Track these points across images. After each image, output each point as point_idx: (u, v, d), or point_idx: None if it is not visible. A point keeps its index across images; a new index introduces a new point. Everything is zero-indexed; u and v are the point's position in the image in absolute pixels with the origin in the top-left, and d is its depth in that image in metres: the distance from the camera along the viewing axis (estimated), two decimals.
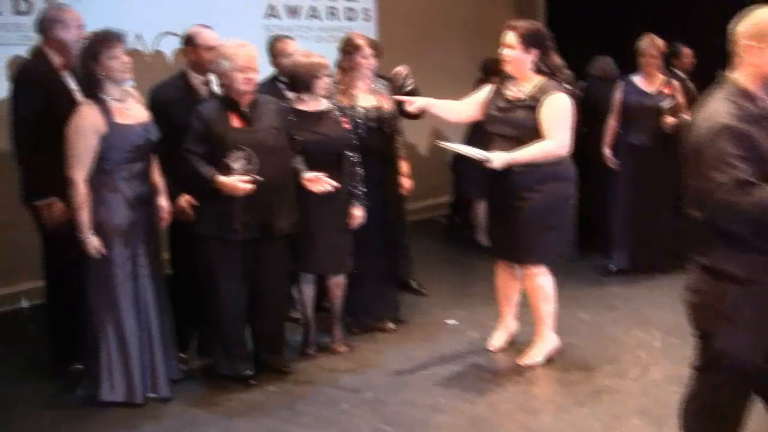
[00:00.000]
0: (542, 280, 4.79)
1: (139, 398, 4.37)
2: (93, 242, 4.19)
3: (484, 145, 4.66)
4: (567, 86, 4.64)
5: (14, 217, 5.78)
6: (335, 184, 4.65)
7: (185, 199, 4.64)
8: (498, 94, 4.77)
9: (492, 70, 7.24)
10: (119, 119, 4.23)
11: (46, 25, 4.68)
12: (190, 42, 4.83)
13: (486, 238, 7.38)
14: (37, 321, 5.90)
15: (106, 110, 4.20)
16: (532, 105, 4.54)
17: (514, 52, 4.59)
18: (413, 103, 4.93)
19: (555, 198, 4.64)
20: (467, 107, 5.01)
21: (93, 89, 4.23)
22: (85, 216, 4.17)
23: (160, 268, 4.53)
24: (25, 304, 6.22)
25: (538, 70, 4.63)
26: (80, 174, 4.15)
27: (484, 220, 7.36)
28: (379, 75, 5.62)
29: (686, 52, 7.40)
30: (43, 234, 4.69)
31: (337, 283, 5.08)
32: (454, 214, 8.44)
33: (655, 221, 6.57)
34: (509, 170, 4.50)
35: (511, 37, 4.59)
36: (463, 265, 7.37)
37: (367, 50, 5.26)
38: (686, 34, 7.68)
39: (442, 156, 8.25)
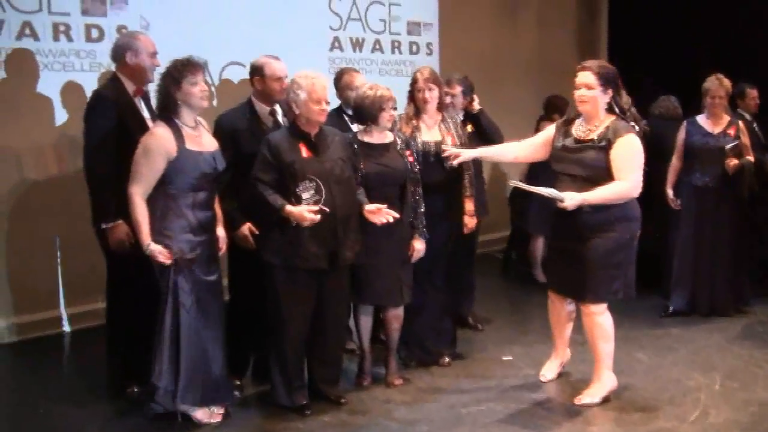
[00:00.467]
0: (603, 318, 4.75)
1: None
2: (156, 249, 4.21)
3: (548, 184, 4.67)
4: (637, 126, 4.61)
5: (65, 242, 6.02)
6: (396, 215, 4.68)
7: (247, 227, 4.71)
8: (565, 133, 4.77)
9: (554, 108, 7.29)
10: (190, 145, 4.30)
11: (119, 52, 4.80)
12: (257, 72, 4.89)
13: (542, 275, 7.46)
14: (80, 345, 6.08)
15: (179, 135, 4.27)
16: (603, 146, 4.54)
17: (592, 92, 4.58)
18: (460, 156, 5.01)
19: (622, 238, 4.62)
20: (526, 148, 5.07)
21: (169, 113, 4.30)
22: (145, 229, 4.21)
23: (220, 295, 4.56)
24: (66, 328, 6.33)
25: (611, 110, 4.64)
26: (139, 191, 4.21)
27: (542, 256, 7.46)
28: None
29: (752, 93, 7.34)
30: (108, 256, 4.77)
31: (395, 315, 5.08)
32: (510, 249, 8.42)
33: (715, 264, 6.50)
34: (578, 210, 4.51)
35: (589, 77, 4.59)
36: (519, 302, 7.36)
37: (422, 84, 5.27)
38: (752, 75, 7.63)
39: (500, 191, 8.28)
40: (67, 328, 6.31)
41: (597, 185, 4.49)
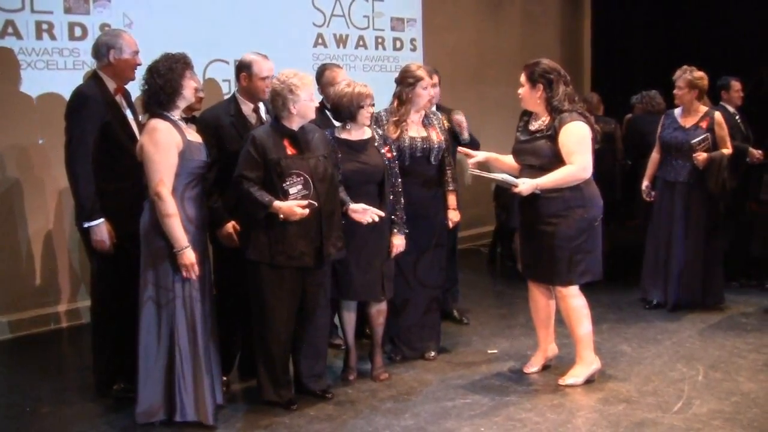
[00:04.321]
0: (576, 301, 4.94)
1: (188, 417, 4.35)
2: (190, 256, 4.17)
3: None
4: (582, 114, 4.84)
5: (49, 241, 6.02)
6: (381, 214, 4.71)
7: (231, 225, 4.72)
8: (524, 128, 5.04)
9: None
10: (190, 137, 4.30)
11: (102, 50, 4.76)
12: (245, 69, 4.89)
13: None
14: (72, 342, 6.09)
15: (178, 127, 4.26)
16: (551, 134, 4.80)
17: (522, 89, 4.91)
18: (475, 157, 5.06)
19: (582, 222, 4.82)
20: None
21: (161, 108, 4.26)
22: (179, 229, 4.15)
23: (210, 290, 4.54)
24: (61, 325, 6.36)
25: (549, 104, 4.84)
26: (167, 188, 4.14)
27: None
28: (438, 105, 5.77)
29: (736, 86, 7.31)
30: (93, 255, 4.76)
31: (379, 310, 5.10)
32: (496, 244, 8.46)
33: (685, 259, 6.44)
34: (537, 196, 4.77)
35: (522, 77, 4.92)
36: (504, 296, 7.39)
37: (427, 82, 5.30)
38: (738, 69, 7.64)
39: (485, 186, 8.30)
40: (59, 324, 6.35)
41: (548, 170, 4.74)
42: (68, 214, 5.27)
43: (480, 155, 5.09)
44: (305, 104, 4.50)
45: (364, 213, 4.66)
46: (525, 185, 4.70)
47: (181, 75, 4.25)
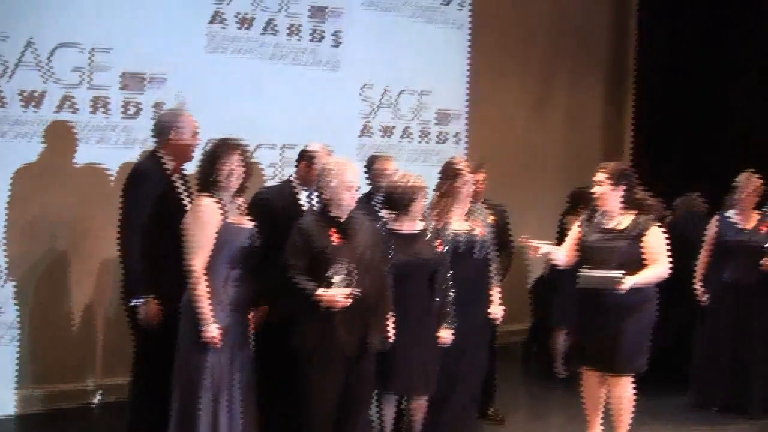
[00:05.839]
0: (630, 389, 5.21)
1: None
2: (213, 331, 4.16)
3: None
4: (656, 215, 5.25)
5: (91, 314, 6.01)
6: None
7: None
8: (591, 226, 5.29)
9: (580, 201, 7.33)
10: (231, 219, 4.33)
11: (163, 129, 4.85)
12: (307, 157, 4.95)
13: (563, 369, 7.42)
14: (106, 419, 6.01)
15: (222, 207, 4.31)
16: (635, 236, 5.09)
17: (603, 188, 5.18)
18: (539, 250, 5.23)
19: (650, 317, 5.18)
20: (570, 251, 5.41)
21: (208, 189, 4.33)
22: (206, 306, 4.17)
23: (251, 375, 4.50)
24: (93, 401, 6.29)
25: (627, 204, 5.18)
26: (200, 264, 4.18)
27: (564, 350, 7.41)
28: (486, 201, 5.86)
29: None
30: (138, 333, 4.75)
31: (419, 405, 5.04)
32: (531, 341, 8.36)
33: (749, 362, 6.45)
34: (612, 291, 4.94)
35: (601, 176, 5.20)
36: (539, 395, 7.28)
37: (468, 176, 5.33)
38: None
39: (522, 281, 8.28)
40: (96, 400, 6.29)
41: (626, 270, 4.93)
42: (112, 289, 5.26)
43: (545, 248, 5.25)
44: (336, 191, 4.49)
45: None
46: (628, 283, 4.88)
47: (214, 160, 4.32)
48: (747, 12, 9.37)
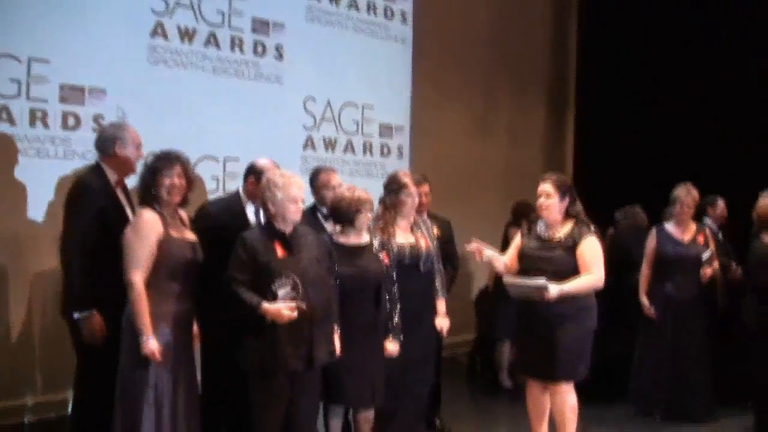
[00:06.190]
0: (572, 396, 5.22)
1: None
2: (152, 345, 4.10)
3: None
4: (592, 228, 5.23)
5: (29, 331, 5.87)
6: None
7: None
8: (531, 235, 5.38)
9: (521, 214, 7.40)
10: (173, 232, 4.29)
11: (107, 142, 4.80)
12: (255, 173, 4.94)
13: (508, 380, 7.47)
14: None
15: (163, 220, 4.28)
16: (570, 245, 5.14)
17: (551, 200, 5.22)
18: (484, 253, 5.30)
19: (587, 326, 5.20)
20: (511, 258, 5.45)
21: (149, 203, 4.30)
22: (145, 319, 4.11)
23: (194, 391, 4.46)
24: (27, 419, 6.08)
25: (568, 216, 5.25)
26: (140, 277, 4.13)
27: (508, 360, 7.47)
28: (431, 214, 5.89)
29: (722, 204, 7.54)
30: (80, 348, 4.65)
31: (366, 417, 5.00)
32: (476, 353, 8.38)
33: (690, 370, 6.56)
34: (540, 300, 4.96)
35: (548, 187, 5.23)
36: (485, 406, 7.33)
37: (412, 189, 5.35)
38: (716, 187, 7.81)
39: (465, 292, 8.31)
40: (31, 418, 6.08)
41: (562, 279, 5.01)
42: (51, 303, 5.14)
43: (488, 252, 5.32)
44: (283, 203, 4.48)
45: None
46: (554, 291, 4.91)
47: (154, 173, 4.30)
48: (685, 31, 9.58)
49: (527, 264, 5.24)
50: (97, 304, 4.51)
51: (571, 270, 5.09)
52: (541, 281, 4.93)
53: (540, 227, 5.31)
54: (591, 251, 5.12)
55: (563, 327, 5.08)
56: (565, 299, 4.98)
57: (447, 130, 9.35)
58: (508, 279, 5.15)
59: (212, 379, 4.88)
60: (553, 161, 10.78)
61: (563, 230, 5.22)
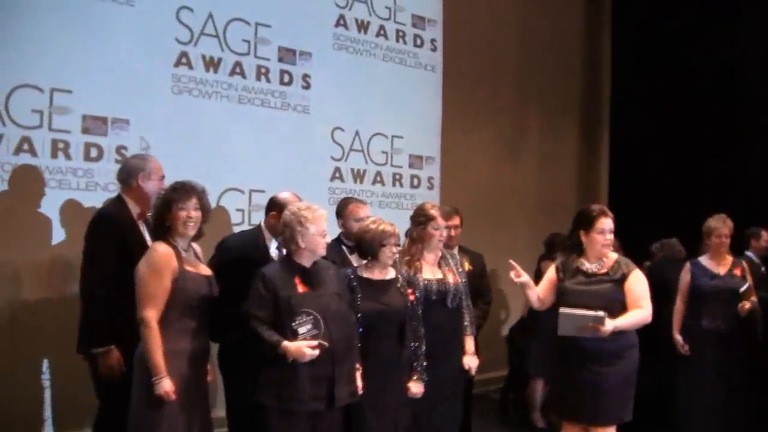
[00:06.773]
0: None
1: None
2: (166, 385, 3.96)
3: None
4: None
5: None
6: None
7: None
8: (570, 270, 5.14)
9: (555, 246, 7.20)
10: (188, 267, 4.18)
11: (130, 174, 4.76)
12: (277, 207, 4.82)
13: (541, 419, 7.24)
14: None
15: (178, 255, 4.16)
16: (618, 278, 4.98)
17: (612, 236, 5.08)
18: (520, 276, 5.12)
19: (634, 364, 4.99)
20: (544, 291, 5.28)
21: (164, 235, 4.20)
22: (159, 357, 3.97)
23: (208, 429, 4.33)
24: None
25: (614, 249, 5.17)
26: (154, 313, 4.01)
27: (541, 399, 7.23)
28: (462, 248, 5.74)
29: (765, 236, 7.38)
30: (99, 384, 4.56)
31: None
32: (508, 390, 8.16)
33: (730, 407, 6.28)
34: (593, 336, 4.77)
35: (611, 223, 5.08)
36: None
37: (440, 221, 5.15)
38: (752, 220, 7.61)
39: (498, 328, 8.11)
40: None
41: (611, 315, 4.80)
42: (67, 338, 5.02)
43: (525, 276, 5.15)
44: (314, 238, 4.36)
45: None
46: (610, 326, 4.74)
47: (169, 204, 4.18)
48: (724, 51, 9.37)
49: (569, 299, 5.00)
50: (117, 338, 4.42)
51: (619, 304, 4.92)
52: (600, 313, 4.75)
53: (577, 261, 5.12)
54: (641, 285, 5.00)
55: (609, 366, 4.89)
56: (616, 336, 4.81)
57: (477, 160, 9.21)
58: (565, 310, 4.91)
59: (237, 417, 4.77)
60: (587, 188, 10.56)
61: (607, 263, 5.07)
